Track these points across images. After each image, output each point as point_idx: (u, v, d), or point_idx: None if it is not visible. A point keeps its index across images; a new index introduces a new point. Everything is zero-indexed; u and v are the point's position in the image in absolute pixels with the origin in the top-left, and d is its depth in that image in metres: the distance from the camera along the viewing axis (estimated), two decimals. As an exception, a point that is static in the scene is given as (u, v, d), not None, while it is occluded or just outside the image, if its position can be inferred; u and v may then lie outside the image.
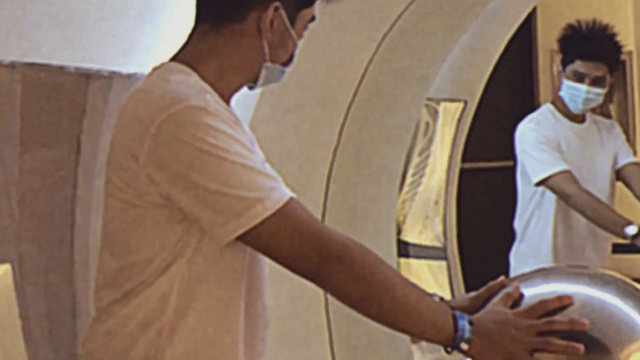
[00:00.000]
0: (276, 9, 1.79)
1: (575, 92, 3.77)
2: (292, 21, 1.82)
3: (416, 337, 1.77)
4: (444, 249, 5.21)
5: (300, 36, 1.85)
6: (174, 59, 1.83)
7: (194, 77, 1.77)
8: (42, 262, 2.58)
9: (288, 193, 1.72)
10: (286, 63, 1.85)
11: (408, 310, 1.71)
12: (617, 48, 3.83)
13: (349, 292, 1.71)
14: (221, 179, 1.67)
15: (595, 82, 3.76)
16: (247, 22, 1.79)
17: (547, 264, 3.74)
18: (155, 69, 1.82)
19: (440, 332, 1.72)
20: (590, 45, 3.75)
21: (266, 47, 1.80)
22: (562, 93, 3.82)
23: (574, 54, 3.77)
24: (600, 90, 3.77)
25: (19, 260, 2.48)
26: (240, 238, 1.70)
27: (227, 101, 1.83)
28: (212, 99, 1.73)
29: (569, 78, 3.78)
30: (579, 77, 3.76)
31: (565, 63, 3.81)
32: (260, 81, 1.85)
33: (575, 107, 3.81)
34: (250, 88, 1.89)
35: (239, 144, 1.70)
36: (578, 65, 3.76)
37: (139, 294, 1.73)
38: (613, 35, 3.81)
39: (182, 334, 1.73)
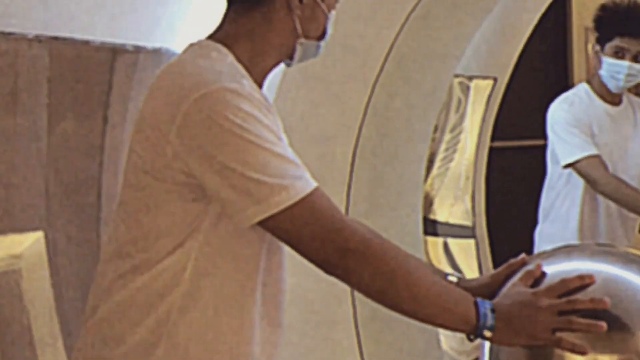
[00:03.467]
0: None
1: (617, 69, 3.72)
2: None
3: (439, 327, 1.77)
4: (473, 228, 5.19)
5: (332, 7, 1.84)
6: (210, 37, 1.82)
7: (230, 58, 1.77)
8: (70, 231, 2.60)
9: (313, 183, 1.71)
10: (320, 37, 1.84)
11: (429, 302, 1.71)
12: None
13: (369, 284, 1.71)
14: (248, 162, 1.67)
15: (637, 57, 3.72)
16: (276, 1, 1.79)
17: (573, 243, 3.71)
18: (191, 45, 1.82)
19: (463, 321, 1.72)
20: (629, 22, 3.71)
21: (298, 23, 1.80)
22: (602, 71, 3.77)
23: (613, 32, 3.72)
24: None
25: (49, 230, 2.50)
26: (261, 223, 1.69)
27: (261, 83, 1.83)
28: (247, 83, 1.73)
29: (609, 55, 3.73)
30: (620, 54, 3.71)
31: (602, 41, 3.76)
32: (297, 58, 1.84)
33: (617, 84, 3.75)
34: (288, 65, 1.88)
35: (269, 131, 1.70)
36: (618, 42, 3.71)
37: (148, 269, 1.72)
38: None
39: (192, 314, 1.72)
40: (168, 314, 1.72)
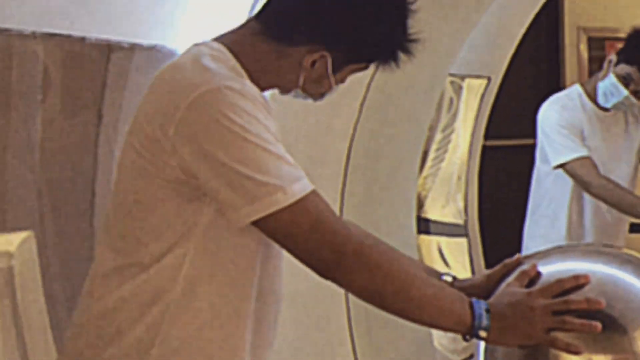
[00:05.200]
0: (322, 56, 1.78)
1: (614, 91, 3.72)
2: (337, 69, 1.81)
3: (435, 328, 1.78)
4: (465, 226, 5.20)
5: (341, 81, 1.85)
6: (217, 39, 1.82)
7: (233, 61, 1.77)
8: (63, 229, 2.60)
9: (310, 186, 1.71)
10: (317, 98, 1.86)
11: (425, 304, 1.71)
12: None
13: (364, 287, 1.71)
14: (246, 161, 1.66)
15: (636, 93, 3.72)
16: (294, 50, 1.79)
17: (560, 242, 3.72)
18: (196, 44, 1.81)
19: (458, 322, 1.72)
20: None
21: (302, 79, 1.81)
22: (601, 83, 3.76)
23: (635, 60, 3.71)
24: (635, 102, 3.73)
25: (40, 228, 2.49)
26: (256, 224, 1.69)
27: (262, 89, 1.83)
28: (248, 83, 1.73)
29: (616, 74, 3.72)
30: (627, 81, 3.72)
31: (621, 59, 3.74)
32: (289, 95, 1.86)
33: (605, 101, 3.76)
34: (280, 92, 1.89)
35: (268, 131, 1.70)
36: (633, 71, 3.70)
37: (145, 269, 1.71)
38: None
39: (187, 315, 1.71)
40: (163, 314, 1.71)
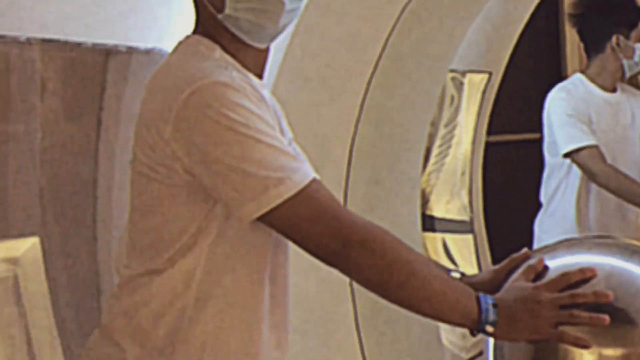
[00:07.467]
0: None
1: None
2: None
3: (440, 321, 1.76)
4: (471, 223, 5.18)
5: None
6: (195, 31, 1.81)
7: (218, 51, 1.76)
8: (66, 235, 2.59)
9: (311, 174, 1.70)
10: (220, 9, 1.75)
11: (430, 295, 1.69)
12: None
13: (370, 276, 1.69)
14: (244, 157, 1.65)
15: None
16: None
17: (572, 234, 3.71)
18: (179, 43, 1.80)
19: (465, 316, 1.70)
20: None
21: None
22: (636, 58, 3.77)
23: (636, 17, 3.74)
24: None
25: (43, 233, 2.49)
26: (261, 218, 1.68)
27: (260, 71, 1.80)
28: (237, 75, 1.72)
29: (637, 41, 3.75)
30: None
31: (625, 30, 3.75)
32: (244, 36, 1.76)
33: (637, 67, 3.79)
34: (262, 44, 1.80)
35: (263, 122, 1.68)
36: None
37: (162, 273, 1.72)
38: None
39: (205, 315, 1.72)
40: (181, 317, 1.72)
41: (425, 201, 4.80)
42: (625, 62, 3.77)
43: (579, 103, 3.77)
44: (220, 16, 1.76)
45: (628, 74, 3.82)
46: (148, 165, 1.72)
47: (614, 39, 3.77)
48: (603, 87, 3.82)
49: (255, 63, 1.80)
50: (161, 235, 1.72)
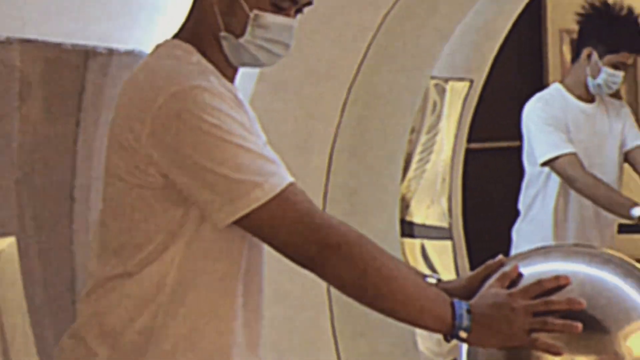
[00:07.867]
0: None
1: (614, 80, 3.76)
2: None
3: (415, 326, 1.77)
4: (449, 229, 5.20)
5: (254, 7, 1.76)
6: (176, 36, 1.82)
7: (196, 56, 1.76)
8: (42, 235, 2.58)
9: (288, 178, 1.70)
10: (239, 34, 1.77)
11: (405, 300, 1.70)
12: None
13: (346, 280, 1.70)
14: (221, 161, 1.65)
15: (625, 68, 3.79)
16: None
17: (550, 242, 3.72)
18: (157, 46, 1.80)
19: (439, 321, 1.71)
20: (634, 38, 3.76)
21: (218, 15, 1.76)
22: (598, 80, 3.77)
23: (618, 45, 3.74)
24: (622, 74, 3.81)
25: (20, 233, 2.48)
26: (238, 222, 1.68)
27: (232, 77, 1.82)
28: (215, 80, 1.72)
29: (608, 66, 3.75)
30: (619, 66, 3.76)
31: (602, 51, 3.76)
32: (230, 56, 1.78)
33: (607, 90, 3.81)
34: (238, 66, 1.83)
35: (240, 126, 1.68)
36: (621, 56, 3.74)
37: (134, 275, 1.72)
38: None
39: (178, 317, 1.72)
40: (153, 319, 1.71)
41: (405, 207, 4.82)
42: (589, 79, 3.79)
43: (556, 112, 3.79)
44: (241, 40, 1.76)
45: (593, 92, 3.82)
46: (121, 167, 1.71)
47: (586, 50, 3.79)
48: (580, 97, 3.84)
49: (231, 74, 1.82)
50: (133, 237, 1.72)
